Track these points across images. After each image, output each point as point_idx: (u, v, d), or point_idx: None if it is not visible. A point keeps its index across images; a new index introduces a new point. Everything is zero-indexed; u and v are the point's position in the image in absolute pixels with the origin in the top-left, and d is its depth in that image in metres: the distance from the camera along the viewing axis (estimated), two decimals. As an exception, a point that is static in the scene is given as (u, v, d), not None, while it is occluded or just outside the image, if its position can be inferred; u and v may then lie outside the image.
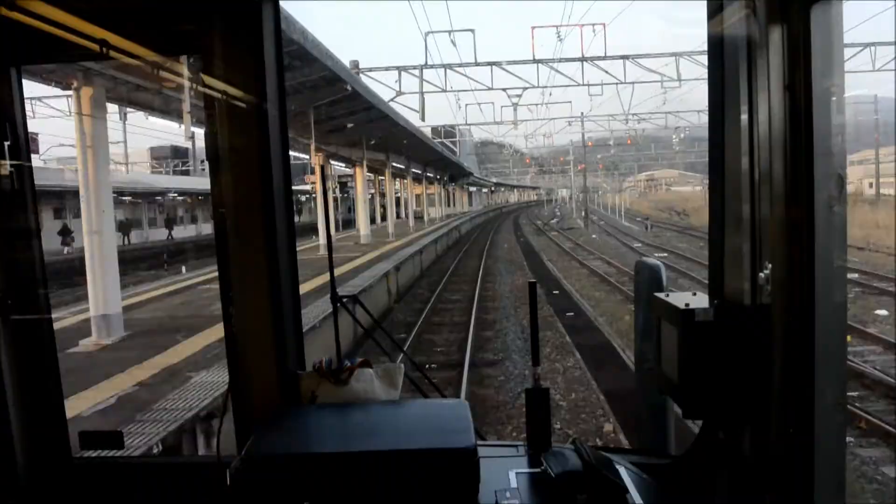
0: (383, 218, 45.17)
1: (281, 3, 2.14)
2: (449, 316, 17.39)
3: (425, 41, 27.60)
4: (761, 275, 1.62)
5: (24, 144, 2.25)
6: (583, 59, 27.63)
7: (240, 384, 2.18)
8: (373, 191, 44.06)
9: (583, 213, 53.09)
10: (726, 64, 1.73)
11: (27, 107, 2.45)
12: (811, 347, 1.48)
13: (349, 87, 18.31)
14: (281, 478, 1.67)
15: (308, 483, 1.67)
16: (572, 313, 16.64)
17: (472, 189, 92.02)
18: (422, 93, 28.02)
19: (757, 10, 1.58)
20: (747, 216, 1.67)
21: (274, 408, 2.09)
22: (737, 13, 1.67)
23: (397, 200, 46.74)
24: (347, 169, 33.79)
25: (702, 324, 1.67)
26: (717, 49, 1.76)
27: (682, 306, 1.70)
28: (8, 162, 2.20)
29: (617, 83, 29.08)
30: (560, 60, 28.11)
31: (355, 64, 27.36)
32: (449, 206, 67.55)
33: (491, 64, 28.42)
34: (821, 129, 1.45)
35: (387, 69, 28.24)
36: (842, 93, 1.51)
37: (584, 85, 28.81)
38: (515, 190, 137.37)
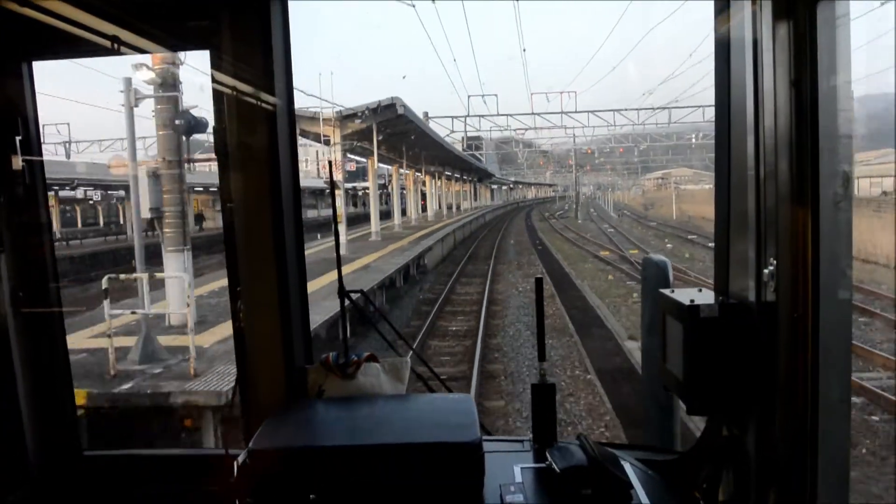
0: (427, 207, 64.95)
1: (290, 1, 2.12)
2: (485, 249, 36.71)
3: (468, 101, 47.94)
4: (766, 271, 1.59)
5: (35, 139, 2.26)
6: (562, 113, 47.03)
7: (248, 378, 2.19)
8: (427, 189, 63.80)
9: (575, 206, 72.37)
10: (732, 61, 1.72)
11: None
12: (815, 344, 1.47)
13: (439, 142, 37.99)
14: (288, 471, 1.66)
15: (314, 476, 1.67)
16: (541, 247, 36.00)
17: (494, 187, 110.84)
18: (465, 133, 48.00)
19: (762, 7, 1.56)
20: (752, 213, 1.65)
21: (281, 401, 2.11)
22: (742, 10, 1.66)
23: (439, 196, 66.40)
24: (415, 173, 53.58)
25: (707, 320, 1.66)
26: (724, 46, 1.75)
27: (687, 302, 1.70)
28: (20, 156, 2.21)
29: (583, 126, 48.43)
30: (548, 113, 47.52)
31: (426, 114, 47.07)
32: (476, 200, 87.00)
33: (507, 115, 47.96)
34: (827, 127, 1.44)
35: (444, 117, 48.02)
36: (848, 90, 1.47)
37: (561, 127, 48.25)
38: (532, 187, 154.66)
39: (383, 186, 29.70)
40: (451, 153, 47.44)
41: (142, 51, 2.29)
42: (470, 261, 30.24)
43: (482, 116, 47.62)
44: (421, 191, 55.69)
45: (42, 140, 2.32)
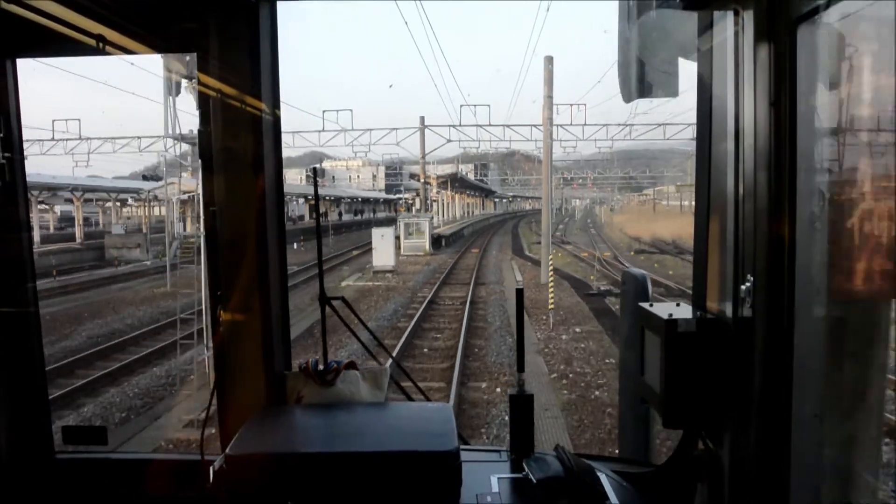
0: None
1: (278, 3, 2.14)
2: (486, 234, 71.42)
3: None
4: (743, 287, 1.61)
5: (17, 137, 2.25)
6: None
7: (226, 383, 2.18)
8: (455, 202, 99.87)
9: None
10: (714, 80, 1.77)
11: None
12: (790, 360, 1.49)
13: (467, 179, 74.46)
14: (265, 477, 1.65)
15: (291, 483, 1.65)
16: (515, 232, 72.11)
17: (496, 200, 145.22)
18: (480, 178, 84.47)
19: (745, 27, 1.60)
20: (731, 229, 1.68)
21: (260, 407, 2.09)
22: (725, 31, 1.69)
23: (458, 206, 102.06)
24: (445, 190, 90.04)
25: (684, 334, 1.68)
26: (706, 66, 1.79)
27: (665, 316, 1.72)
28: (0, 154, 2.18)
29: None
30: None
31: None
32: (483, 210, 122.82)
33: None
34: (804, 146, 1.47)
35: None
36: (826, 110, 1.52)
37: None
38: (529, 200, 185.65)
39: (412, 198, 61.86)
40: (471, 182, 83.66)
41: (127, 51, 2.18)
42: (481, 234, 66.46)
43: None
44: (448, 203, 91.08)
45: (23, 138, 2.30)
